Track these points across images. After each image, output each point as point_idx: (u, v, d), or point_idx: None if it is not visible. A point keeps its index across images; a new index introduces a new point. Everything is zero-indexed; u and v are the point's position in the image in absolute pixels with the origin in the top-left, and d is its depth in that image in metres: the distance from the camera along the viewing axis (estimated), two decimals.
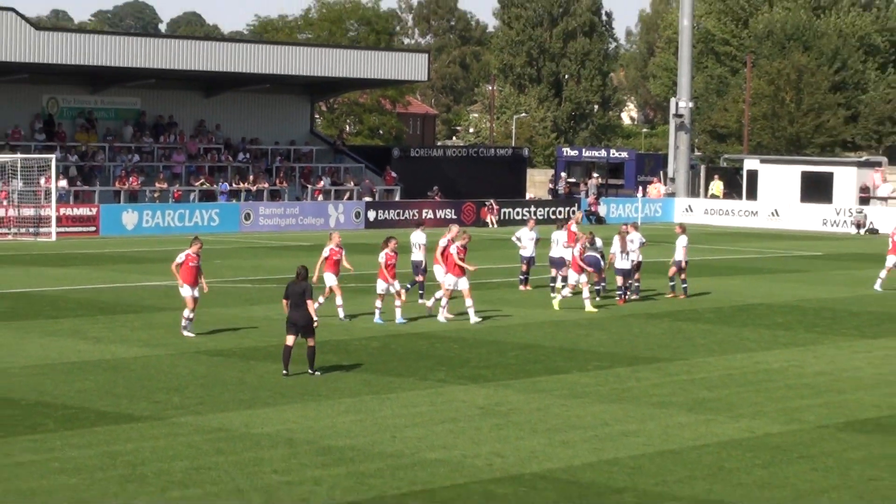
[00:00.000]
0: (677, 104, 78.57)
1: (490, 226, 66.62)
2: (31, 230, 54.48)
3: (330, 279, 29.52)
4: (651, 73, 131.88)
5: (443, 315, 31.02)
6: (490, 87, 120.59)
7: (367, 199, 66.62)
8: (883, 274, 39.45)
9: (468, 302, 30.64)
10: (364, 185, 67.91)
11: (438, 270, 31.94)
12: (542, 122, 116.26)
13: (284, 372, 23.63)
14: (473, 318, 30.71)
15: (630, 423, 20.41)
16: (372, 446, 18.06)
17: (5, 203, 54.85)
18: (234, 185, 63.21)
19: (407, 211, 66.17)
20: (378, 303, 30.60)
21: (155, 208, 58.84)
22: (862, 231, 67.80)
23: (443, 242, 32.42)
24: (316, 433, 18.88)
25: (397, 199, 69.29)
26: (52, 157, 55.41)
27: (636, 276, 37.42)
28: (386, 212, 66.17)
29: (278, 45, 72.69)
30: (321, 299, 29.12)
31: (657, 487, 16.25)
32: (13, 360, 25.55)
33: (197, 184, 62.46)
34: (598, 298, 36.40)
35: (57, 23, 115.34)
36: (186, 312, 27.83)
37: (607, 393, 22.99)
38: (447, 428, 19.48)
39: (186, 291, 27.56)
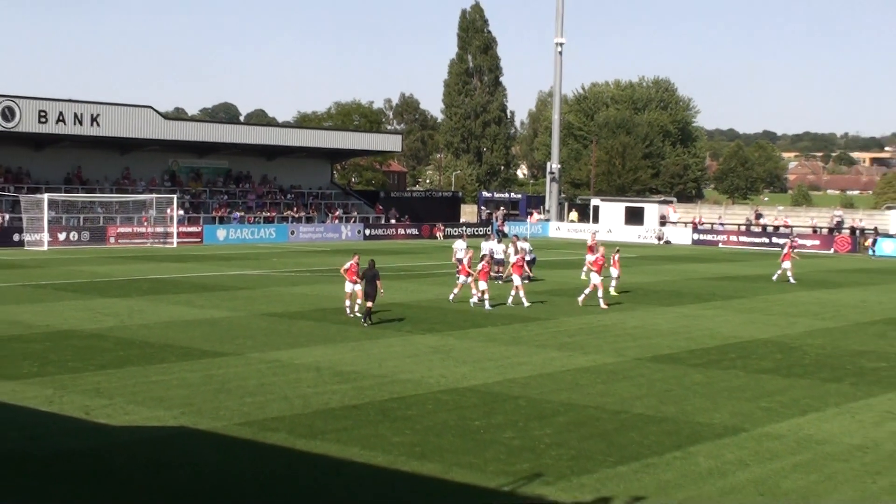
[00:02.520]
0: (551, 166, 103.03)
1: (439, 239, 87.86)
2: (161, 241, 72.09)
3: (348, 286, 33.56)
4: (535, 147, 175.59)
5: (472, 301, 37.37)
6: (439, 156, 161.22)
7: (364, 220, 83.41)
8: (779, 272, 49.72)
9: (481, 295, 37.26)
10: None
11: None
12: (470, 176, 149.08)
13: (351, 315, 33.31)
14: (525, 303, 37.05)
15: (522, 357, 26.43)
16: (366, 371, 23.89)
17: (146, 224, 73.30)
18: (283, 213, 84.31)
19: (389, 230, 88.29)
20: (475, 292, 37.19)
21: (236, 227, 78.82)
22: (661, 242, 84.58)
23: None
24: (333, 363, 24.86)
25: (382, 222, 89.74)
26: (174, 196, 74.56)
27: (530, 269, 44.84)
28: (376, 230, 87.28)
29: (311, 129, 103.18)
30: (348, 302, 33.84)
31: (538, 395, 21.71)
32: (150, 318, 32.71)
33: (261, 212, 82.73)
34: (499, 282, 43.67)
35: (178, 115, 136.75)
36: (347, 302, 33.78)
37: (508, 339, 29.44)
38: (412, 360, 25.57)
39: (349, 287, 33.59)
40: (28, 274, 47.17)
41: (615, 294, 41.69)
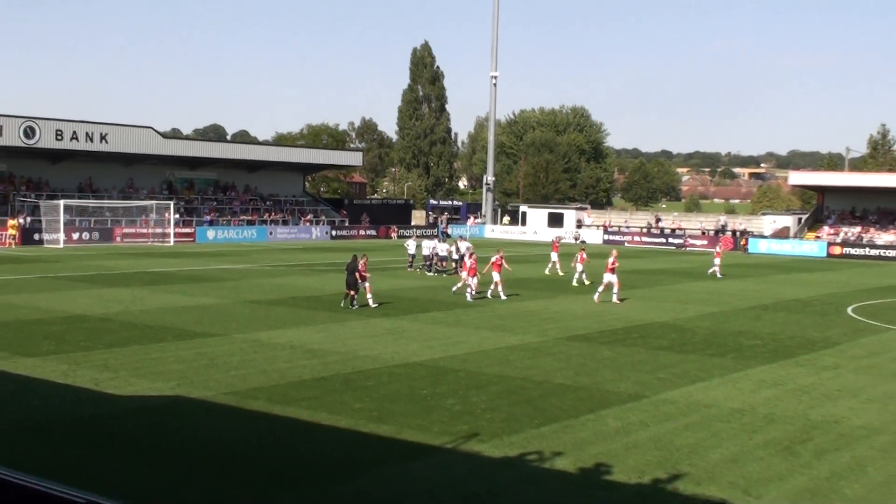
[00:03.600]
0: (487, 178, 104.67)
1: (393, 238, 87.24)
2: (160, 240, 71.68)
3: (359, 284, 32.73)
4: (474, 163, 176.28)
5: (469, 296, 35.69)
6: (394, 169, 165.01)
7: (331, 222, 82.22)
8: (714, 268, 49.76)
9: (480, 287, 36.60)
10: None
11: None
12: (419, 186, 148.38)
13: (343, 304, 32.61)
14: (502, 296, 35.90)
15: (461, 337, 26.46)
16: (332, 349, 23.90)
17: (147, 226, 72.59)
18: (263, 217, 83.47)
19: (352, 231, 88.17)
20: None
21: (224, 228, 78.29)
22: (578, 242, 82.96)
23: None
24: (304, 342, 24.86)
25: (347, 224, 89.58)
26: (171, 202, 74.47)
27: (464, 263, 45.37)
28: (342, 231, 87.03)
29: (287, 147, 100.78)
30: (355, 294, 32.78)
31: (476, 368, 21.90)
32: (150, 305, 32.50)
33: (244, 216, 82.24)
34: (444, 275, 44.33)
35: (174, 134, 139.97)
36: (369, 295, 32.63)
37: (451, 322, 29.54)
38: (370, 340, 25.58)
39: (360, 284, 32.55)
40: (46, 267, 46.78)
41: (577, 284, 42.85)
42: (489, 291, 36.53)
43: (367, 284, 32.83)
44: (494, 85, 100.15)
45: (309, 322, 28.90)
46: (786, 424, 17.09)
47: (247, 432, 15.89)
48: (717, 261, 50.77)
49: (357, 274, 32.33)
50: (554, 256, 49.97)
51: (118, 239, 69.80)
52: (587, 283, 42.73)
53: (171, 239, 71.56)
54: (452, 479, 13.33)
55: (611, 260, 36.96)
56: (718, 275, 49.63)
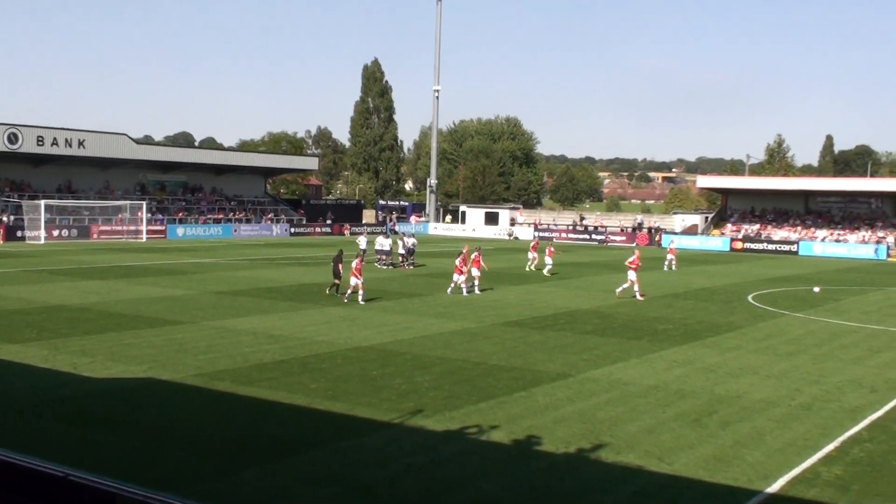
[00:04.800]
0: (430, 181, 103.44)
1: (346, 235, 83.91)
2: (133, 237, 70.09)
3: (353, 280, 30.60)
4: (418, 167, 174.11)
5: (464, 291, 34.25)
6: (346, 173, 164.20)
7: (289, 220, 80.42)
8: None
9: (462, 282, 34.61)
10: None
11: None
12: (370, 188, 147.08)
13: (327, 292, 32.87)
14: (476, 291, 34.49)
15: (409, 323, 26.35)
16: (292, 334, 23.72)
17: (122, 223, 70.75)
18: (228, 216, 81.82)
19: (309, 228, 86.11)
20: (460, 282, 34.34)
21: (193, 227, 76.31)
22: (511, 238, 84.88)
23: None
24: (266, 329, 24.66)
25: (304, 222, 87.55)
26: (144, 202, 73.06)
27: (411, 257, 45.64)
28: (300, 229, 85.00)
29: (250, 153, 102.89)
30: (349, 292, 30.96)
31: (421, 352, 21.87)
32: (124, 296, 31.91)
33: (211, 215, 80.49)
34: (388, 267, 44.22)
35: (147, 140, 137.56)
36: (360, 292, 30.68)
37: (399, 310, 29.37)
38: (325, 326, 25.46)
39: (353, 281, 30.64)
40: (28, 262, 45.79)
41: (548, 275, 43.34)
42: (465, 287, 34.86)
43: (359, 282, 30.81)
44: (437, 98, 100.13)
45: (270, 311, 28.63)
46: (695, 399, 17.29)
47: (213, 410, 15.74)
48: (671, 256, 51.43)
49: (352, 272, 30.86)
50: (531, 255, 48.24)
51: (95, 236, 68.51)
52: (548, 274, 43.72)
53: (144, 236, 70.37)
54: (400, 451, 13.28)
55: (632, 258, 35.16)
56: (673, 267, 50.13)
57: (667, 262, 51.09)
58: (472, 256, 36.11)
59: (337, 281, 32.90)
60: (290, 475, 12.08)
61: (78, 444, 13.47)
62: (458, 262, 35.11)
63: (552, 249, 45.48)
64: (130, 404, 15.99)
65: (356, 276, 30.74)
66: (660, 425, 15.16)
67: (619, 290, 34.98)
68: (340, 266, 32.91)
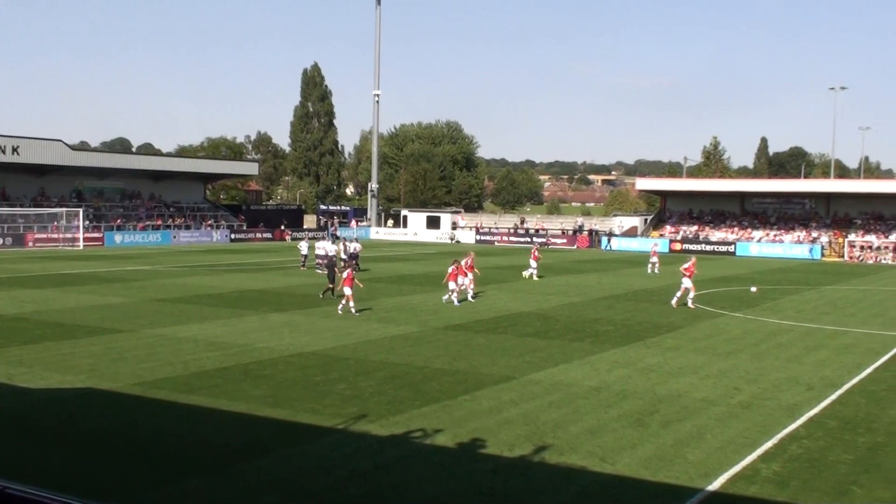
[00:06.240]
0: (371, 185, 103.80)
1: (287, 241, 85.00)
2: (70, 244, 69.18)
3: (346, 290, 29.61)
4: (359, 172, 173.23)
5: (455, 299, 32.99)
6: (287, 178, 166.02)
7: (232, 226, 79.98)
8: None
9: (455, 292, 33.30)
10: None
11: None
12: (311, 193, 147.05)
13: (321, 296, 33.54)
14: (456, 302, 32.88)
15: (350, 328, 26.19)
16: (233, 341, 23.51)
17: (58, 231, 70.13)
18: (167, 222, 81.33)
19: (249, 234, 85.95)
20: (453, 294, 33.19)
21: (131, 233, 75.73)
22: (453, 241, 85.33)
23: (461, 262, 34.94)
24: (207, 336, 24.47)
25: (245, 228, 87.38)
26: (80, 209, 72.10)
27: (355, 261, 44.87)
28: (240, 235, 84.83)
29: (188, 158, 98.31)
30: (343, 301, 29.82)
31: (363, 356, 21.82)
32: (62, 304, 31.36)
33: (150, 221, 79.69)
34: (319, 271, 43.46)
35: (83, 146, 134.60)
36: (350, 303, 29.56)
37: (342, 315, 29.09)
38: (267, 332, 25.25)
39: (347, 291, 29.67)
40: None
41: (536, 279, 43.64)
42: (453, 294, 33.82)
43: (349, 292, 29.84)
44: (377, 102, 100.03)
45: (211, 318, 28.34)
46: (636, 399, 17.45)
47: (153, 419, 15.46)
48: (655, 259, 51.16)
49: (344, 280, 29.90)
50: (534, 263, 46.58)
51: (30, 244, 67.39)
52: (536, 278, 44.03)
53: (81, 243, 69.28)
54: (344, 457, 13.18)
55: (688, 265, 34.21)
56: (657, 270, 49.99)
57: (650, 265, 51.19)
58: (465, 262, 35.19)
59: (331, 285, 33.57)
60: (232, 484, 11.92)
61: (15, 456, 13.14)
62: (452, 269, 33.66)
63: (537, 254, 45.44)
64: (68, 415, 15.68)
65: (348, 286, 29.74)
66: (602, 426, 15.25)
67: (674, 299, 33.96)
68: (336, 270, 33.17)
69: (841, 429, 15.46)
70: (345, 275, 30.18)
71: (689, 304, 33.43)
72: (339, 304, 30.14)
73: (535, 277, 44.50)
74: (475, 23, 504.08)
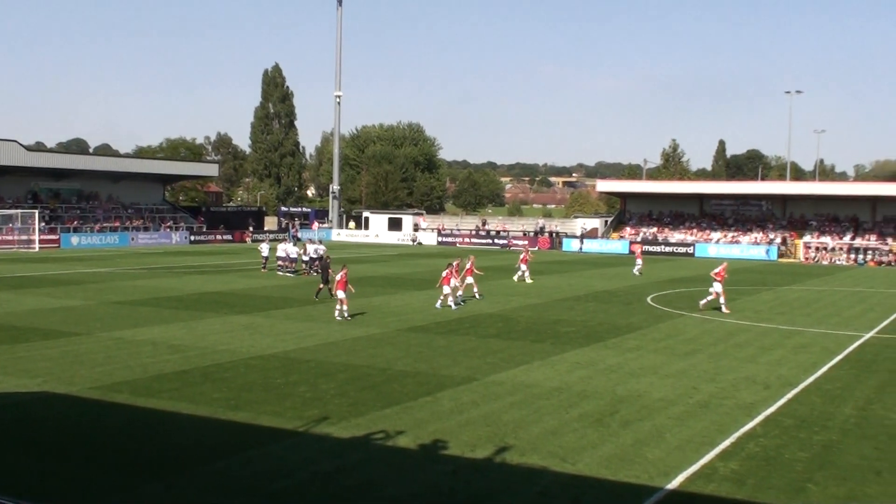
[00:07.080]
0: (333, 187, 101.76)
1: (247, 242, 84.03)
2: (25, 246, 68.37)
3: (340, 294, 28.71)
4: (321, 173, 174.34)
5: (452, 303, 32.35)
6: (247, 179, 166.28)
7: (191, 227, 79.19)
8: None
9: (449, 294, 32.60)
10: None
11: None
12: (271, 195, 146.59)
13: (316, 298, 33.74)
14: (453, 306, 32.26)
15: (311, 331, 26.20)
16: (193, 344, 23.40)
17: (13, 233, 69.13)
18: (125, 224, 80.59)
19: (209, 235, 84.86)
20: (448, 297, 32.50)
21: (88, 235, 74.47)
22: (415, 243, 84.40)
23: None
24: (166, 339, 24.24)
25: (204, 230, 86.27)
26: (36, 211, 71.05)
27: (317, 263, 44.38)
28: (199, 236, 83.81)
29: (147, 159, 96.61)
30: (338, 306, 28.93)
31: (325, 359, 21.80)
32: (17, 307, 31.01)
33: (107, 224, 78.32)
34: (290, 275, 43.90)
35: (39, 147, 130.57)
36: (344, 307, 28.80)
37: (302, 317, 29.19)
38: (228, 335, 25.15)
39: (340, 294, 28.74)
40: None
41: (529, 282, 43.64)
42: (457, 297, 33.54)
43: (343, 296, 28.94)
44: (338, 103, 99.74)
45: (171, 320, 28.11)
46: (597, 399, 17.58)
47: (111, 423, 15.32)
48: (640, 261, 51.91)
49: (337, 283, 29.02)
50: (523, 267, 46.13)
51: None
52: (529, 281, 44.11)
53: (37, 245, 68.34)
54: (305, 459, 13.15)
55: (718, 269, 33.47)
56: (639, 272, 50.58)
57: (637, 267, 51.56)
58: (467, 266, 36.12)
59: (321, 286, 34.14)
60: (194, 488, 11.86)
61: None
62: (446, 273, 33.05)
63: (526, 256, 45.61)
64: (25, 419, 15.49)
65: (341, 289, 28.98)
66: (563, 426, 15.34)
67: (702, 302, 33.36)
68: (331, 270, 33.32)
69: (797, 427, 15.69)
70: (338, 277, 29.25)
71: (723, 308, 32.51)
72: (335, 310, 29.27)
73: (527, 280, 44.52)
74: (437, 25, 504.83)
